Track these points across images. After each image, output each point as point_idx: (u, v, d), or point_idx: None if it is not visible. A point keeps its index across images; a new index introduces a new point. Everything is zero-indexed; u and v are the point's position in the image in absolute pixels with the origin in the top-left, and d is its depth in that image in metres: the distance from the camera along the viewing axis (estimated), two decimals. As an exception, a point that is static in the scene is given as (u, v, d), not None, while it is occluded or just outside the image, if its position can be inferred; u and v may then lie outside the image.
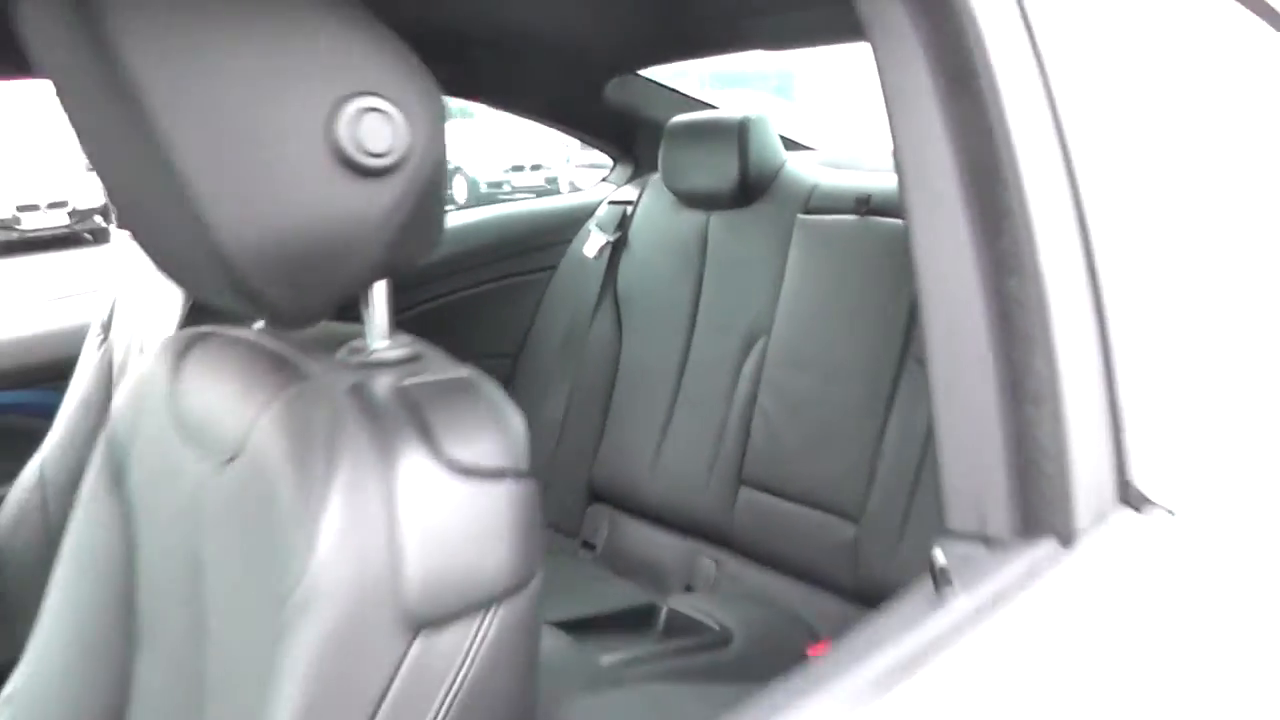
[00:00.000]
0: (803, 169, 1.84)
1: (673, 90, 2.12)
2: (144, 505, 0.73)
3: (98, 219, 14.18)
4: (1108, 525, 0.53)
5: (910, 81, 0.59)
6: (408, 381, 0.53)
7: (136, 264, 1.51)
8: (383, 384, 0.53)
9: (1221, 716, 0.55)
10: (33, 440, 1.55)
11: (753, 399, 1.71)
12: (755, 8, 1.62)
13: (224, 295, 0.53)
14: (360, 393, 0.52)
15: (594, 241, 2.00)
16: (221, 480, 0.59)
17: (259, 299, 0.51)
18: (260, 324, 0.70)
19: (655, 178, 1.96)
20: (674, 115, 1.90)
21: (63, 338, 1.71)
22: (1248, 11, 0.77)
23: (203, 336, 0.70)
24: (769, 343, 1.72)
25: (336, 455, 0.48)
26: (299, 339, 0.61)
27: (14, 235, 13.44)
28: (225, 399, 0.60)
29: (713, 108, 2.06)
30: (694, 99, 2.14)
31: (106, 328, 1.52)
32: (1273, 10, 0.78)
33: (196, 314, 1.20)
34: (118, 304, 1.51)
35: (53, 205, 13.76)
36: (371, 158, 0.50)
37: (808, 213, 1.74)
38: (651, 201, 1.96)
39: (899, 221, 1.61)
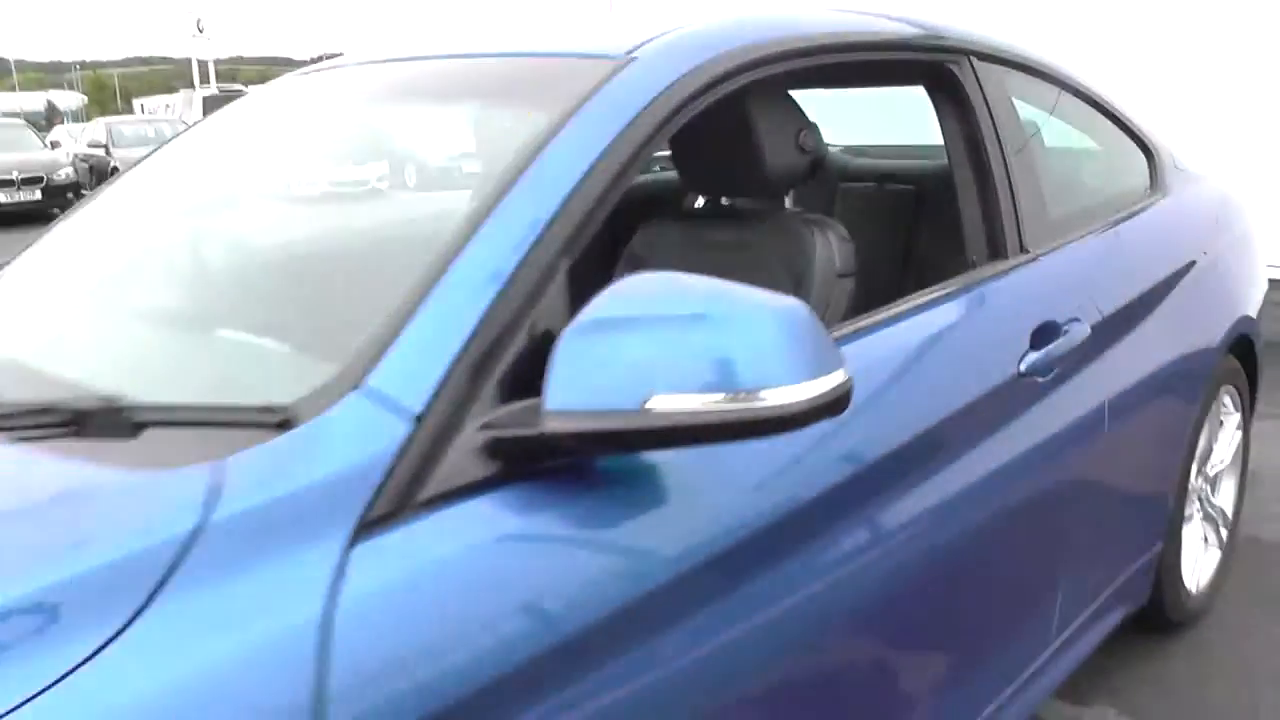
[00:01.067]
0: (838, 157, 3.06)
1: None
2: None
3: (69, 195, 14.81)
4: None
5: (952, 129, 1.79)
6: (810, 216, 1.71)
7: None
8: (809, 217, 1.71)
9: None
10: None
11: (814, 292, 2.92)
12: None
13: (762, 192, 1.72)
14: (807, 217, 1.70)
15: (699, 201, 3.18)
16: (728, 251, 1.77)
17: (775, 191, 1.69)
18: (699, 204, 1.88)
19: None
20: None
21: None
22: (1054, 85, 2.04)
23: (685, 215, 1.88)
24: (824, 259, 2.93)
25: (812, 232, 1.65)
26: (744, 209, 1.80)
27: (-11, 208, 13.99)
28: (727, 223, 1.78)
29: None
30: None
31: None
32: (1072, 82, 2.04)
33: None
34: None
35: (27, 181, 14.33)
36: (808, 149, 1.68)
37: (845, 182, 2.95)
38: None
39: (902, 187, 2.84)
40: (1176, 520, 2.26)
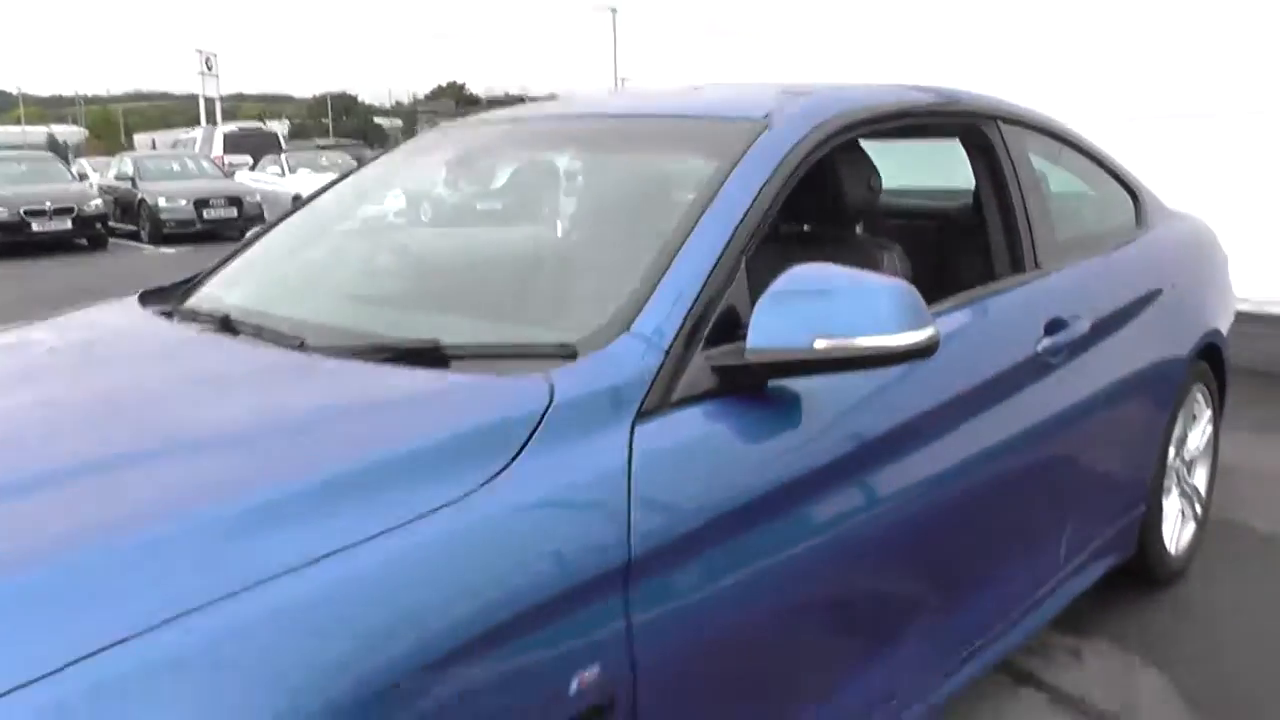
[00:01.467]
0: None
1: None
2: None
3: (97, 225, 15.34)
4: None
5: (982, 172, 2.34)
6: (877, 240, 2.25)
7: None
8: (876, 240, 2.25)
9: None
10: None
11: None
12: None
13: (841, 222, 2.25)
14: (875, 241, 2.24)
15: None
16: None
17: (850, 221, 2.23)
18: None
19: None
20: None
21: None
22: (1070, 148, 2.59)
23: (776, 239, 2.42)
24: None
25: (880, 253, 2.19)
26: (824, 235, 2.33)
27: (21, 238, 14.51)
28: (813, 245, 2.31)
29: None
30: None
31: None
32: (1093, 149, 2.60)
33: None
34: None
35: (58, 212, 14.85)
36: (874, 189, 2.22)
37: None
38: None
39: (928, 223, 3.38)
40: (1157, 488, 2.79)
